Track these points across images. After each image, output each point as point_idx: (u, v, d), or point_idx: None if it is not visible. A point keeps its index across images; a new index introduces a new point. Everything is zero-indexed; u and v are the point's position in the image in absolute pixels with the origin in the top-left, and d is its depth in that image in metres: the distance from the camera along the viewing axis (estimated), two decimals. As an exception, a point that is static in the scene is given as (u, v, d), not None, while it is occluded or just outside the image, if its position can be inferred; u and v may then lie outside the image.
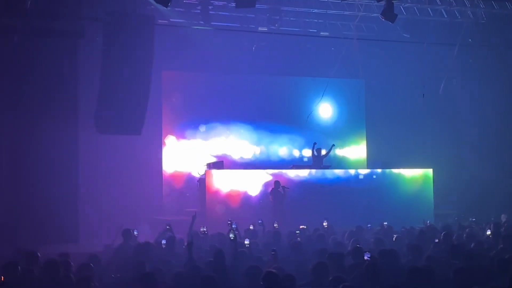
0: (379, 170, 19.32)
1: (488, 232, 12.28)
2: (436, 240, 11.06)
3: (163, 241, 11.15)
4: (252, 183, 17.80)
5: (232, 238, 9.61)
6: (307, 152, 20.66)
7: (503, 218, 15.29)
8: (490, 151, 21.21)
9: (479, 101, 21.40)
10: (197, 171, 19.39)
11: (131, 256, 10.06)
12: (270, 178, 17.95)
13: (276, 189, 17.25)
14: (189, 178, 20.27)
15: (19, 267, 8.49)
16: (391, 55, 21.39)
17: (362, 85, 22.66)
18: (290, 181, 18.00)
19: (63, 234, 15.33)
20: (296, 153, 22.01)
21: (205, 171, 18.05)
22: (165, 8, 15.03)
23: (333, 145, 19.92)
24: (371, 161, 22.34)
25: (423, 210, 18.37)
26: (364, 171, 19.60)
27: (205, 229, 12.76)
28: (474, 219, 15.28)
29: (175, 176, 20.45)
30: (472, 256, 9.03)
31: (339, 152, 22.50)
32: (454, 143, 21.62)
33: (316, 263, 7.97)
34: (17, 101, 15.65)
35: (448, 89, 21.06)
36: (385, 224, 14.10)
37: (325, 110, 22.42)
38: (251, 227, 13.22)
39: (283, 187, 17.30)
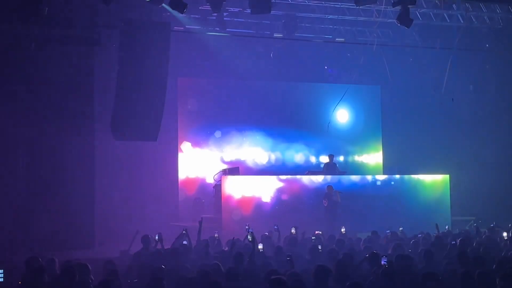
0: (397, 176, 19.23)
1: (505, 234, 12.14)
2: (453, 242, 10.99)
3: (184, 242, 11.22)
4: (268, 189, 17.78)
5: (250, 240, 9.61)
6: (324, 159, 20.56)
7: None
8: (508, 157, 21.02)
9: (497, 107, 21.24)
10: (213, 177, 19.42)
11: (149, 262, 10.08)
12: (286, 184, 17.96)
13: (329, 194, 17.38)
14: (205, 184, 20.29)
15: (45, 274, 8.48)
16: (407, 60, 21.36)
17: (378, 91, 22.63)
18: (304, 187, 18.00)
19: (79, 239, 15.41)
20: (312, 159, 21.96)
21: (221, 177, 18.06)
22: (180, 14, 15.09)
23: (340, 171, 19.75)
24: (387, 167, 22.26)
25: (440, 216, 18.28)
26: (381, 177, 19.51)
27: (217, 235, 12.80)
28: (493, 225, 15.13)
29: (190, 182, 20.47)
30: (485, 262, 8.94)
31: (356, 158, 22.47)
32: (471, 149, 21.44)
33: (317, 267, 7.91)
34: (33, 108, 15.77)
35: (465, 94, 20.99)
36: (401, 230, 14.05)
37: (342, 116, 22.37)
38: (267, 234, 13.21)
39: (337, 191, 17.42)
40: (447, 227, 15.43)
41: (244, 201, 17.45)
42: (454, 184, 19.40)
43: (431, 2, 18.08)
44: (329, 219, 16.89)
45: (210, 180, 19.85)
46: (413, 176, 19.30)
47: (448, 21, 19.12)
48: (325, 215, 17.10)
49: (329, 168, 19.27)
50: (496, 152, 21.19)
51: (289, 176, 18.55)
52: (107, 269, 9.00)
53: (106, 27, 15.45)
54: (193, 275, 8.71)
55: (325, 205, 17.27)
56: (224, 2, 15.54)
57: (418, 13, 18.44)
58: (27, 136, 15.76)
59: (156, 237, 11.81)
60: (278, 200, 17.73)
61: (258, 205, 17.56)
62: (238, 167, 19.26)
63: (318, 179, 18.36)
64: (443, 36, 19.04)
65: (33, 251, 11.00)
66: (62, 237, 15.08)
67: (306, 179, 18.33)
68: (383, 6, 17.60)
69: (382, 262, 8.17)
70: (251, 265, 9.01)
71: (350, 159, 22.13)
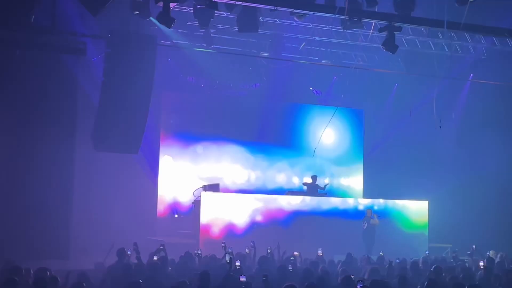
0: (381, 201, 19.20)
1: (481, 263, 12.17)
2: (432, 269, 11.03)
3: (155, 257, 11.15)
4: (247, 207, 17.73)
5: (228, 261, 9.56)
6: (308, 180, 20.43)
7: (493, 254, 15.13)
8: (486, 185, 21.14)
9: (477, 135, 21.38)
10: (193, 193, 19.33)
11: (123, 276, 9.99)
12: (265, 203, 17.93)
13: (368, 217, 17.81)
14: (184, 200, 20.19)
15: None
16: (391, 85, 21.55)
17: (362, 115, 22.72)
18: (282, 207, 17.96)
19: (54, 250, 15.24)
20: (295, 180, 21.85)
21: (201, 193, 17.98)
22: (168, 29, 15.07)
23: (326, 184, 19.84)
24: (367, 191, 22.28)
25: (418, 242, 18.38)
26: (364, 201, 19.43)
27: (199, 252, 12.79)
28: (469, 252, 15.16)
29: (169, 197, 20.36)
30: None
31: (338, 180, 22.47)
32: (451, 176, 21.54)
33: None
34: (15, 115, 15.66)
35: (446, 122, 21.12)
36: (381, 254, 14.08)
37: (327, 137, 22.33)
38: (247, 251, 13.19)
39: (375, 214, 17.80)
40: (427, 252, 15.53)
41: (222, 218, 17.37)
42: (432, 210, 19.47)
43: (417, 30, 18.24)
44: (367, 242, 17.39)
45: (189, 195, 19.76)
46: (397, 201, 19.30)
47: (433, 49, 19.31)
48: (363, 238, 17.54)
49: (310, 189, 19.26)
50: (474, 180, 21.30)
51: (269, 196, 18.57)
52: (75, 282, 8.89)
53: (92, 37, 15.40)
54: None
55: (364, 227, 17.70)
56: (212, 19, 15.58)
57: (404, 39, 18.60)
58: (5, 142, 15.63)
59: (129, 252, 11.73)
60: (256, 218, 17.68)
61: (236, 223, 17.50)
62: (218, 184, 19.18)
63: (297, 200, 18.33)
64: (428, 64, 19.19)
65: (7, 259, 10.81)
66: (37, 246, 14.91)
67: (285, 199, 18.31)
68: (369, 31, 17.75)
69: (358, 286, 8.15)
70: (225, 285, 8.96)
71: (333, 181, 22.15)
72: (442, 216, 20.25)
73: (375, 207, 18.82)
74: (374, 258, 13.83)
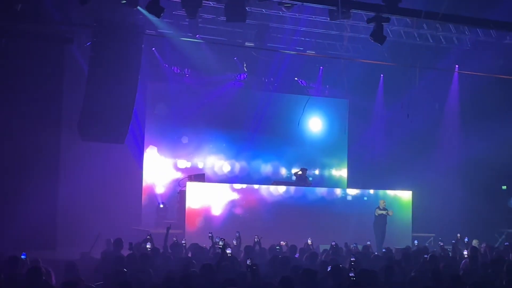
0: (371, 191, 19.32)
1: (465, 252, 12.34)
2: (425, 256, 11.17)
3: (148, 244, 11.18)
4: (233, 197, 17.76)
5: (221, 247, 9.61)
6: (298, 171, 20.42)
7: (476, 243, 15.32)
8: (468, 175, 21.35)
9: (461, 126, 21.59)
10: (178, 183, 19.32)
11: (113, 265, 9.98)
12: (250, 193, 17.98)
13: (378, 208, 18.11)
14: (169, 190, 20.16)
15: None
16: (376, 76, 21.64)
17: (346, 105, 22.77)
18: (268, 197, 18.01)
19: (40, 240, 15.18)
20: (283, 171, 21.86)
21: (186, 183, 17.98)
22: (153, 18, 15.01)
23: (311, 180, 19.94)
24: (352, 181, 22.37)
25: (401, 232, 18.55)
26: (353, 192, 19.52)
27: (184, 242, 12.83)
28: (454, 241, 15.35)
29: (155, 187, 20.31)
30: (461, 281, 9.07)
31: (325, 171, 22.56)
32: (434, 166, 21.71)
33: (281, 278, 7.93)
34: (0, 103, 15.54)
35: (431, 112, 21.32)
36: (369, 244, 14.20)
37: (315, 127, 22.40)
38: (235, 242, 13.26)
39: (387, 210, 18.04)
40: (416, 242, 15.78)
41: (208, 208, 17.40)
42: (416, 200, 19.64)
43: (403, 21, 18.30)
44: (375, 234, 17.65)
45: (174, 185, 19.75)
46: (387, 191, 19.41)
47: (418, 40, 19.39)
48: (373, 229, 17.82)
49: (299, 180, 19.31)
50: (457, 170, 21.51)
51: (255, 185, 18.59)
52: (69, 272, 8.87)
53: (79, 26, 15.30)
54: (157, 280, 8.66)
55: (374, 218, 18.03)
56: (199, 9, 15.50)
57: (389, 30, 18.64)
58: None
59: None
60: (242, 208, 17.72)
61: (222, 213, 17.54)
62: (203, 174, 19.19)
63: (283, 189, 18.36)
64: (413, 55, 19.28)
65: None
66: (23, 237, 14.80)
67: (271, 189, 18.35)
68: (356, 22, 17.78)
69: (350, 274, 8.24)
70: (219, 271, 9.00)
71: (321, 172, 22.25)
72: (424, 206, 20.42)
73: (365, 198, 19.02)
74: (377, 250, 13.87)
